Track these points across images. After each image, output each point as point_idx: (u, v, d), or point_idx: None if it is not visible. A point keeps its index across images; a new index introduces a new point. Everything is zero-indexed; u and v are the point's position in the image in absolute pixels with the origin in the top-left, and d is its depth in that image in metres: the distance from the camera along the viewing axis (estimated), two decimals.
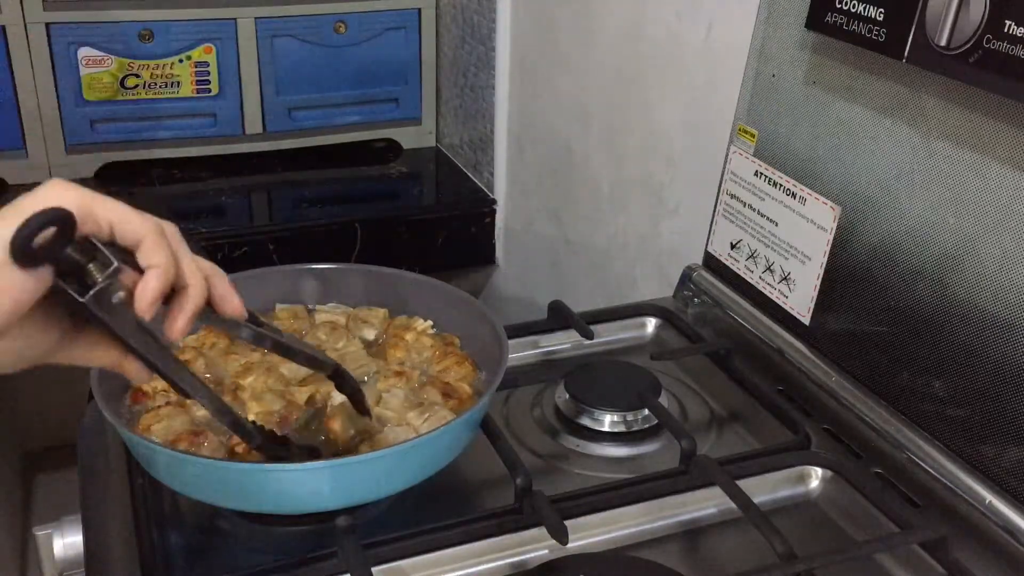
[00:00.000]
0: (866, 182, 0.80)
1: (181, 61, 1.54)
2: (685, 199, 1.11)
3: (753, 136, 0.93)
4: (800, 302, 0.88)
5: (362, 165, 1.71)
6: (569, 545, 0.65)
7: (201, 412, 0.74)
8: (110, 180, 1.50)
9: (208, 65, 1.56)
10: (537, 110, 1.43)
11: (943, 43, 0.69)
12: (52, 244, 0.49)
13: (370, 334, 0.84)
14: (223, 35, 1.55)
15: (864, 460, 0.78)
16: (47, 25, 1.45)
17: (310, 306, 0.87)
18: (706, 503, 0.73)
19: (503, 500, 0.71)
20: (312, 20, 1.60)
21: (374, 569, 0.62)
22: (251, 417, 0.73)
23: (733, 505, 0.69)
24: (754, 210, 0.93)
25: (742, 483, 0.70)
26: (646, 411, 0.82)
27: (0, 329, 0.49)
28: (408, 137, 1.75)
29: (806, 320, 0.87)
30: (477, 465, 0.76)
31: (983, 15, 0.65)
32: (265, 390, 0.76)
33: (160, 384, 0.76)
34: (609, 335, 0.97)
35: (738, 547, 0.71)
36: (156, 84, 1.55)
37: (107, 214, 0.51)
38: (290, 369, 0.79)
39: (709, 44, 1.02)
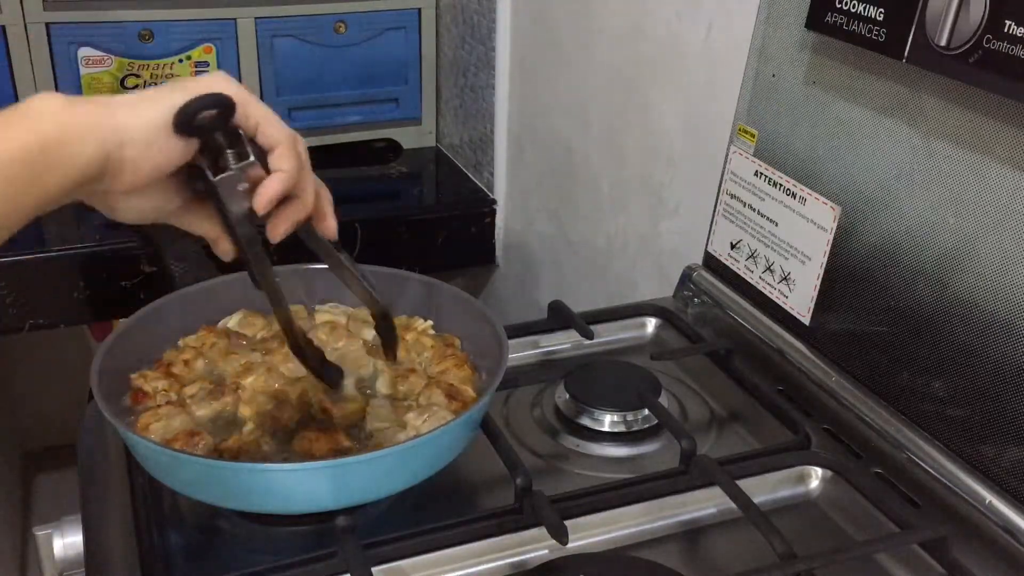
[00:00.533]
0: (866, 182, 0.80)
1: (181, 61, 1.54)
2: (685, 199, 1.11)
3: (753, 136, 0.93)
4: (800, 302, 0.88)
5: (362, 165, 1.71)
6: (569, 545, 0.65)
7: (200, 412, 0.74)
8: None
9: (208, 65, 1.56)
10: (537, 110, 1.43)
11: (943, 43, 0.69)
12: (209, 123, 0.56)
13: (370, 334, 0.84)
14: (223, 35, 1.55)
15: (864, 460, 0.78)
16: (47, 25, 1.45)
17: (310, 306, 0.87)
18: (706, 503, 0.73)
19: (503, 500, 0.71)
20: (312, 20, 1.60)
21: (374, 569, 0.62)
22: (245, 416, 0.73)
23: (733, 505, 0.69)
24: (754, 210, 0.93)
25: (742, 483, 0.70)
26: (646, 411, 0.82)
27: (141, 184, 0.56)
28: (408, 137, 1.75)
29: (806, 320, 0.87)
30: (477, 465, 0.76)
31: (983, 15, 0.65)
32: (263, 390, 0.76)
33: (160, 384, 0.76)
34: (609, 335, 0.97)
35: (738, 547, 0.71)
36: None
37: (257, 113, 0.59)
38: (290, 369, 0.79)
39: (709, 44, 1.02)
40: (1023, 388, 0.68)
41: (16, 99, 1.48)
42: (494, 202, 1.59)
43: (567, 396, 0.85)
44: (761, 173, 0.92)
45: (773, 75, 0.89)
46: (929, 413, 0.76)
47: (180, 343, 0.81)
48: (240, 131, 0.59)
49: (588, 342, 0.93)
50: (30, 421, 2.15)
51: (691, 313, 1.01)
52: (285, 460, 0.70)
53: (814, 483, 0.77)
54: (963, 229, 0.72)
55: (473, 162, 1.65)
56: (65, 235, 1.38)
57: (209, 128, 0.57)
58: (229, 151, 0.59)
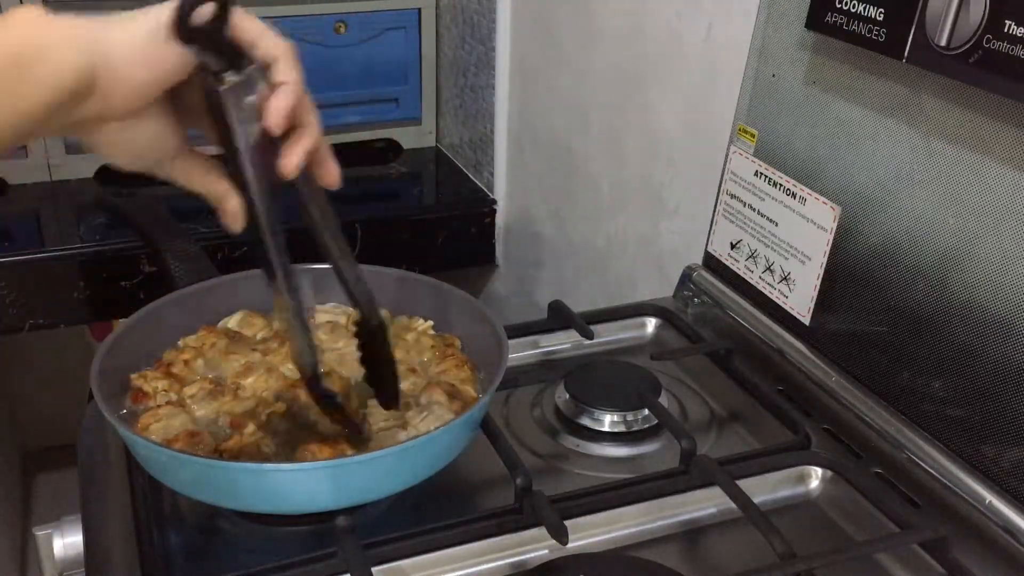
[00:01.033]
0: (866, 182, 0.80)
1: None
2: (685, 199, 1.11)
3: (753, 136, 0.93)
4: (800, 302, 0.88)
5: (362, 165, 1.71)
6: (569, 545, 0.65)
7: (200, 412, 0.74)
8: (110, 180, 1.50)
9: None
10: (537, 110, 1.43)
11: (943, 43, 0.69)
12: (207, 25, 0.52)
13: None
14: None
15: (864, 460, 0.78)
16: None
17: (310, 306, 0.87)
18: (706, 503, 0.73)
19: (503, 500, 0.71)
20: (312, 20, 1.60)
21: (374, 569, 0.62)
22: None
23: (733, 505, 0.69)
24: (754, 210, 0.93)
25: (742, 483, 0.70)
26: (646, 411, 0.82)
27: (137, 103, 0.53)
28: (408, 137, 1.75)
29: (806, 320, 0.87)
30: (477, 465, 0.76)
31: (983, 15, 0.65)
32: (263, 390, 0.76)
33: (160, 384, 0.76)
34: (609, 335, 0.97)
35: (738, 547, 0.71)
36: None
37: (251, 24, 0.55)
38: (290, 369, 0.79)
39: (709, 44, 1.02)
40: (1023, 388, 0.68)
41: None
42: (494, 202, 1.59)
43: (567, 396, 0.85)
44: (761, 173, 0.92)
45: (773, 75, 0.89)
46: (929, 413, 0.76)
47: (180, 343, 0.81)
48: (238, 45, 0.55)
49: (588, 342, 0.93)
50: (30, 421, 2.15)
51: (691, 313, 1.01)
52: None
53: (814, 483, 0.77)
54: (963, 229, 0.72)
55: (473, 162, 1.65)
56: (65, 235, 1.38)
57: (208, 32, 0.52)
58: (230, 70, 0.54)
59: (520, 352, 0.94)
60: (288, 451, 0.71)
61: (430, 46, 1.69)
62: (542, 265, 1.49)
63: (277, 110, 0.55)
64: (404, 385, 0.77)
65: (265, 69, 0.56)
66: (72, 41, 0.50)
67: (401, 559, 0.66)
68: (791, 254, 0.89)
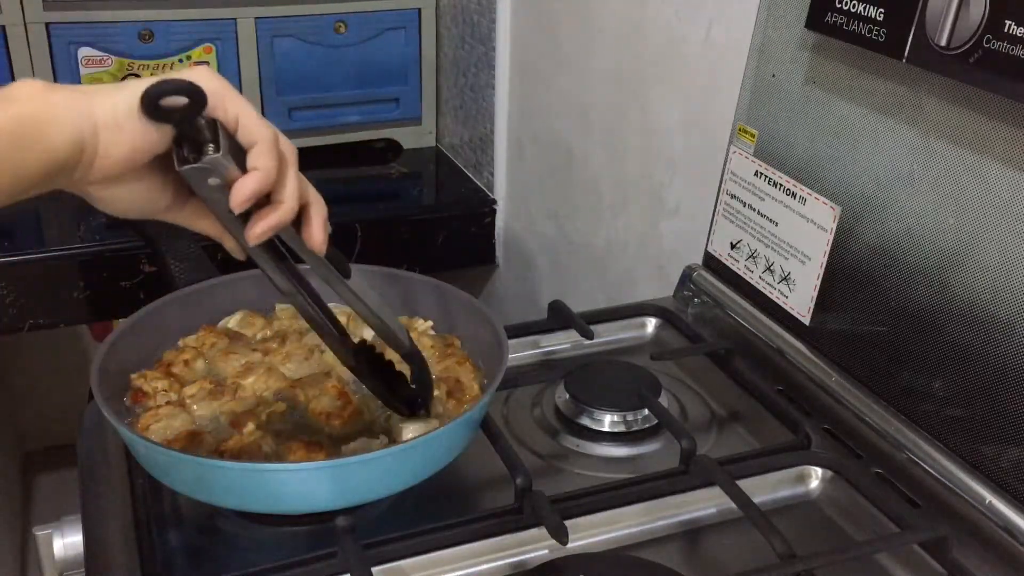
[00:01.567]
0: (866, 182, 0.80)
1: (181, 61, 1.54)
2: (685, 199, 1.11)
3: (753, 136, 0.93)
4: (800, 302, 0.88)
5: (362, 165, 1.71)
6: (569, 545, 0.65)
7: (200, 412, 0.74)
8: None
9: (208, 65, 1.56)
10: (537, 110, 1.43)
11: (943, 43, 0.69)
12: (179, 110, 0.54)
13: (369, 334, 0.84)
14: (223, 35, 1.55)
15: (864, 460, 0.78)
16: (47, 25, 1.45)
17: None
18: (706, 503, 0.73)
19: (503, 500, 0.71)
20: (312, 20, 1.60)
21: (374, 569, 0.62)
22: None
23: (733, 505, 0.69)
24: (754, 210, 0.93)
25: (742, 483, 0.70)
26: (646, 411, 0.82)
27: (117, 172, 0.55)
28: (408, 137, 1.75)
29: (806, 320, 0.87)
30: (477, 465, 0.76)
31: (983, 15, 0.65)
32: (263, 390, 0.76)
33: (160, 384, 0.76)
34: (609, 335, 0.97)
35: (738, 547, 0.71)
36: None
37: (236, 108, 0.57)
38: (290, 369, 0.79)
39: (709, 44, 1.02)
40: (1023, 388, 0.68)
41: None
42: (494, 202, 1.59)
43: (567, 396, 0.85)
44: (761, 173, 0.92)
45: (773, 75, 0.89)
46: (929, 413, 0.76)
47: (180, 343, 0.81)
48: (219, 126, 0.57)
49: (588, 342, 0.93)
50: (30, 421, 2.15)
51: (691, 313, 1.01)
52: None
53: (814, 483, 0.77)
54: (963, 229, 0.72)
55: (473, 162, 1.65)
56: (65, 235, 1.38)
57: (179, 116, 0.55)
58: (208, 145, 0.57)
59: (520, 352, 0.94)
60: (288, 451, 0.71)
61: (430, 46, 1.69)
62: (542, 265, 1.49)
63: (237, 194, 0.57)
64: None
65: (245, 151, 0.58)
66: (69, 114, 0.53)
67: (401, 559, 0.66)
68: (791, 254, 0.89)
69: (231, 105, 0.57)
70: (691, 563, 0.69)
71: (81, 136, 0.53)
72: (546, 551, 0.68)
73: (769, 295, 0.92)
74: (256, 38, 1.57)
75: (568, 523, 0.66)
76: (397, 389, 0.73)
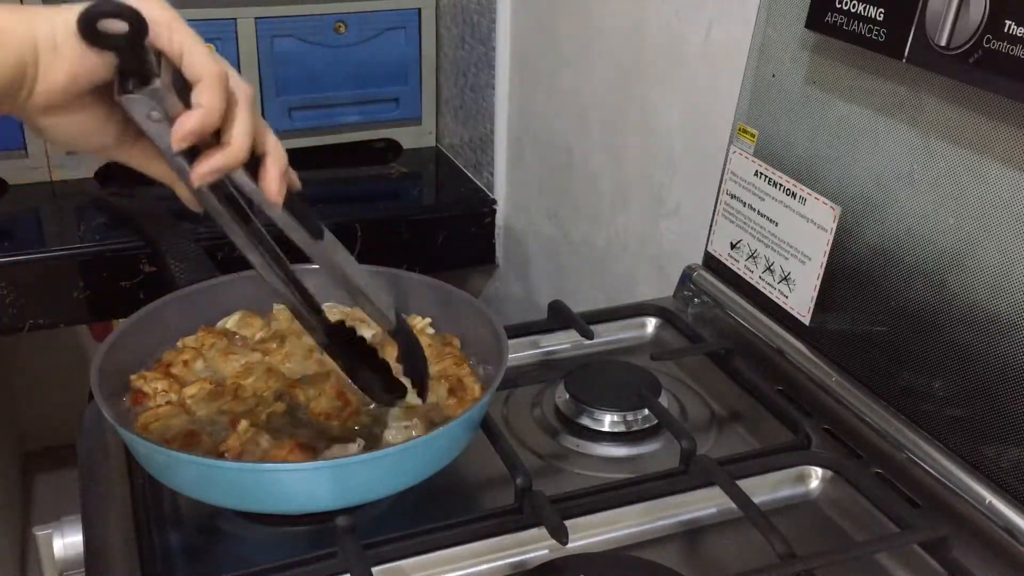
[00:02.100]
0: (866, 182, 0.80)
1: None
2: (685, 199, 1.11)
3: (753, 136, 0.93)
4: (800, 302, 0.88)
5: (362, 165, 1.71)
6: (569, 545, 0.65)
7: (201, 412, 0.74)
8: (110, 180, 1.50)
9: None
10: (537, 110, 1.43)
11: (943, 43, 0.69)
12: (118, 36, 0.51)
13: (368, 333, 0.84)
14: (223, 35, 1.55)
15: (864, 460, 0.78)
16: None
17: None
18: (706, 503, 0.73)
19: (503, 500, 0.71)
20: (312, 20, 1.60)
21: (374, 569, 0.62)
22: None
23: (733, 505, 0.69)
24: (754, 210, 0.93)
25: (742, 483, 0.70)
26: (646, 411, 0.82)
27: (58, 98, 0.53)
28: (408, 137, 1.75)
29: (806, 320, 0.87)
30: (477, 465, 0.76)
31: (983, 15, 0.65)
32: (264, 389, 0.77)
33: (160, 384, 0.76)
34: (609, 335, 0.97)
35: (738, 547, 0.71)
36: None
37: (183, 40, 0.54)
38: (290, 369, 0.79)
39: (709, 44, 1.02)
40: (1023, 388, 0.68)
41: None
42: (494, 202, 1.59)
43: (567, 396, 0.85)
44: (761, 173, 0.92)
45: (773, 75, 0.89)
46: (929, 413, 0.76)
47: (179, 344, 0.81)
48: (164, 58, 0.54)
49: (588, 342, 0.93)
50: (30, 421, 2.15)
51: (691, 313, 1.01)
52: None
53: (814, 483, 0.77)
54: (963, 229, 0.72)
55: (473, 162, 1.65)
56: (65, 235, 1.38)
57: (119, 42, 0.52)
58: (156, 78, 0.53)
59: (520, 352, 0.94)
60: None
61: (430, 46, 1.69)
62: (542, 265, 1.49)
63: (177, 130, 0.54)
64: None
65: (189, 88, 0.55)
66: (8, 37, 0.51)
67: (401, 559, 0.66)
68: (791, 254, 0.89)
69: (177, 36, 0.54)
70: (691, 563, 0.69)
71: (22, 58, 0.51)
72: (546, 551, 0.68)
73: (769, 295, 0.92)
74: (256, 38, 1.57)
75: (568, 523, 0.66)
76: (376, 375, 0.70)
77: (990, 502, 0.69)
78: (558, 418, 0.84)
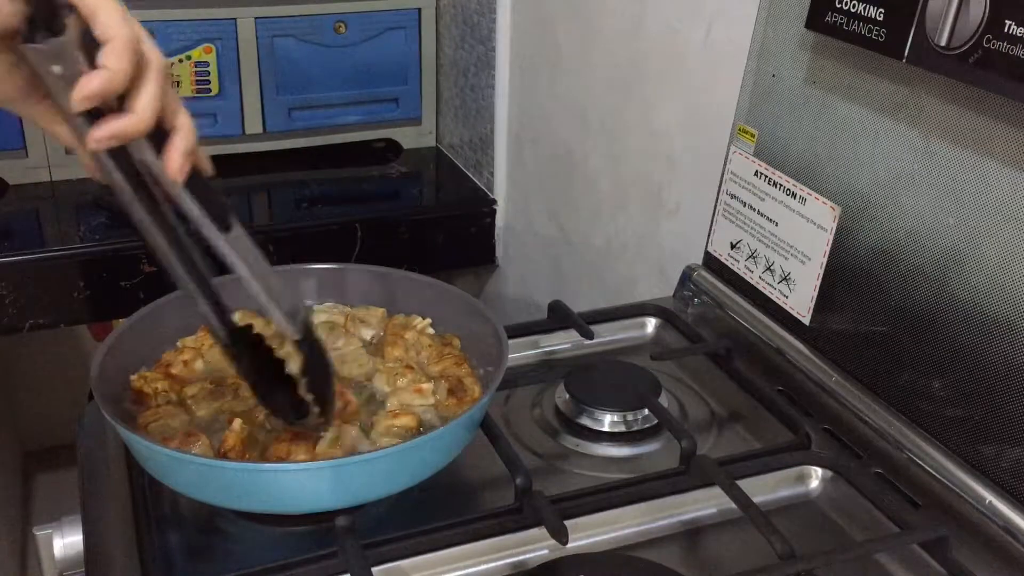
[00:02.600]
0: (866, 182, 0.80)
1: (181, 61, 1.54)
2: (685, 199, 1.11)
3: (753, 136, 0.93)
4: (800, 302, 0.88)
5: (362, 165, 1.71)
6: (569, 545, 0.65)
7: (201, 412, 0.74)
8: None
9: (208, 65, 1.56)
10: (537, 110, 1.43)
11: (943, 43, 0.69)
12: None
13: (367, 334, 0.84)
14: (223, 35, 1.55)
15: (864, 460, 0.78)
16: None
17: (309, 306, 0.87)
18: (706, 503, 0.73)
19: (503, 500, 0.71)
20: (312, 20, 1.60)
21: (374, 569, 0.62)
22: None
23: (733, 505, 0.69)
24: (754, 210, 0.93)
25: (742, 483, 0.70)
26: (646, 411, 0.82)
27: None
28: (408, 137, 1.75)
29: (806, 320, 0.87)
30: (477, 465, 0.76)
31: (983, 15, 0.65)
32: None
33: (160, 385, 0.76)
34: (609, 335, 0.97)
35: (738, 547, 0.71)
36: None
37: (95, 1, 0.52)
38: (291, 369, 0.79)
39: (709, 44, 1.02)
40: (1023, 388, 0.68)
41: None
42: (494, 202, 1.59)
43: (567, 396, 0.85)
44: (761, 173, 0.92)
45: (773, 75, 0.89)
46: (929, 413, 0.76)
47: (179, 344, 0.81)
48: (76, 13, 0.51)
49: (588, 342, 0.93)
50: (30, 421, 2.15)
51: (691, 313, 1.01)
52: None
53: (814, 483, 0.77)
54: (963, 229, 0.72)
55: (473, 162, 1.65)
56: (65, 235, 1.38)
57: None
58: (66, 25, 0.51)
59: (520, 352, 0.94)
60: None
61: (430, 46, 1.69)
62: (542, 265, 1.49)
63: (78, 90, 0.52)
64: (401, 382, 0.77)
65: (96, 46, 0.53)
66: None
67: (401, 559, 0.66)
68: (791, 254, 0.89)
69: None
70: (691, 563, 0.69)
71: None
72: (546, 551, 0.68)
73: (769, 295, 0.92)
74: (256, 38, 1.57)
75: (568, 523, 0.66)
76: (280, 389, 0.66)
77: (990, 502, 0.69)
78: (558, 418, 0.84)
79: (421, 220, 1.55)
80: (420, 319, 0.85)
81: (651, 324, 0.99)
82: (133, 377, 0.76)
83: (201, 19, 1.53)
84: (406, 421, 0.72)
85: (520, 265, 1.57)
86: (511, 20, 1.46)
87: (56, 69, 0.52)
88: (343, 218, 1.49)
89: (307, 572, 0.64)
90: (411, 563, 0.66)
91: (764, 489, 0.74)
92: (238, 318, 0.85)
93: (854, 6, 0.76)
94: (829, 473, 0.76)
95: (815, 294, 0.86)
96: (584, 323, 0.93)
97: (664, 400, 0.84)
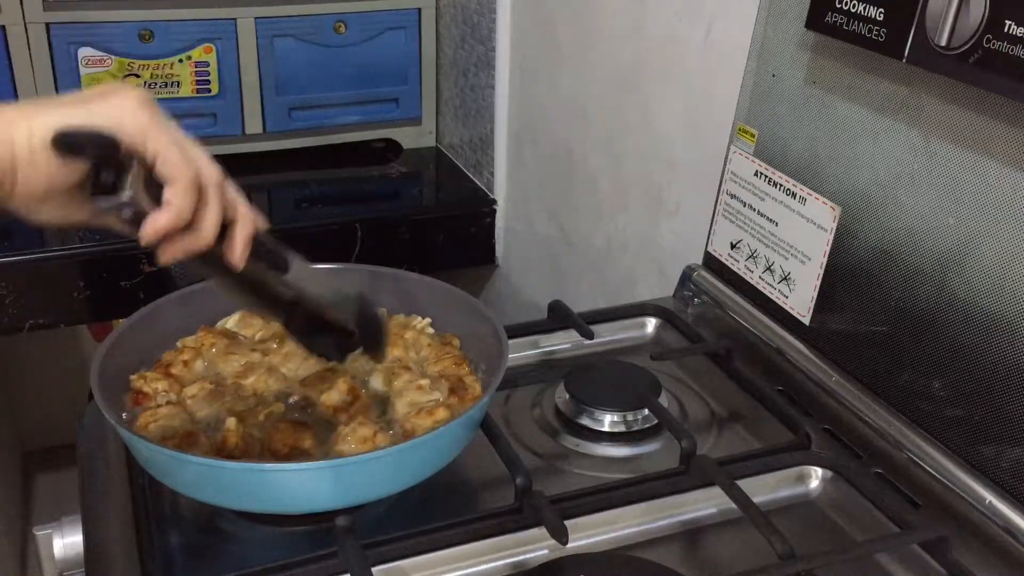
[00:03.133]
0: (866, 182, 0.80)
1: (181, 61, 1.54)
2: (685, 199, 1.11)
3: (753, 136, 0.93)
4: (800, 302, 0.88)
5: (362, 165, 1.71)
6: (569, 545, 0.65)
7: (201, 413, 0.74)
8: None
9: (208, 65, 1.56)
10: (537, 110, 1.43)
11: (943, 43, 0.69)
12: (92, 151, 0.55)
13: None
14: (223, 35, 1.55)
15: (864, 460, 0.78)
16: (47, 25, 1.45)
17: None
18: (706, 503, 0.73)
19: (503, 500, 0.71)
20: (312, 20, 1.60)
21: (374, 569, 0.62)
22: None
23: (733, 505, 0.69)
24: (754, 210, 0.93)
25: (742, 483, 0.70)
26: (646, 411, 0.82)
27: (37, 198, 0.56)
28: (408, 137, 1.75)
29: (806, 320, 0.87)
30: (477, 465, 0.76)
31: (983, 15, 0.65)
32: (264, 389, 0.77)
33: (160, 385, 0.76)
34: (609, 335, 0.97)
35: (738, 547, 0.71)
36: (156, 84, 1.55)
37: (156, 147, 0.56)
38: (290, 369, 0.79)
39: (709, 44, 1.02)
40: (1023, 388, 0.68)
41: (16, 99, 1.48)
42: (494, 202, 1.59)
43: (567, 396, 0.85)
44: (761, 173, 0.92)
45: (773, 75, 0.89)
46: (929, 413, 0.76)
47: (179, 344, 0.81)
48: (136, 161, 0.57)
49: (588, 342, 0.93)
50: (30, 421, 2.15)
51: (691, 313, 1.01)
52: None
53: (814, 483, 0.77)
54: (963, 229, 0.72)
55: (473, 162, 1.65)
56: (65, 235, 1.38)
57: (92, 156, 0.55)
58: (128, 175, 0.56)
59: (520, 352, 0.94)
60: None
61: (430, 46, 1.69)
62: (542, 265, 1.49)
63: (148, 230, 0.57)
64: (398, 382, 0.77)
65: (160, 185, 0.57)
66: None
67: (401, 559, 0.66)
68: (791, 254, 0.89)
69: (151, 144, 0.56)
70: (691, 563, 0.69)
71: (1, 164, 0.53)
72: (546, 551, 0.68)
73: (769, 295, 0.92)
74: (256, 38, 1.57)
75: (568, 523, 0.66)
76: (327, 336, 0.71)
77: (990, 502, 0.69)
78: (558, 418, 0.84)
79: (421, 220, 1.55)
80: (420, 319, 0.85)
81: (651, 324, 0.99)
82: (133, 377, 0.76)
83: (201, 19, 1.53)
84: (442, 415, 0.73)
85: (520, 265, 1.57)
86: (511, 20, 1.46)
87: (125, 214, 0.57)
88: (343, 218, 1.50)
89: (307, 572, 0.64)
90: (411, 563, 0.66)
91: (764, 489, 0.74)
92: (238, 318, 0.85)
93: (854, 6, 0.76)
94: (829, 473, 0.76)
95: (815, 294, 0.86)
96: (584, 323, 0.93)
97: (664, 400, 0.84)
